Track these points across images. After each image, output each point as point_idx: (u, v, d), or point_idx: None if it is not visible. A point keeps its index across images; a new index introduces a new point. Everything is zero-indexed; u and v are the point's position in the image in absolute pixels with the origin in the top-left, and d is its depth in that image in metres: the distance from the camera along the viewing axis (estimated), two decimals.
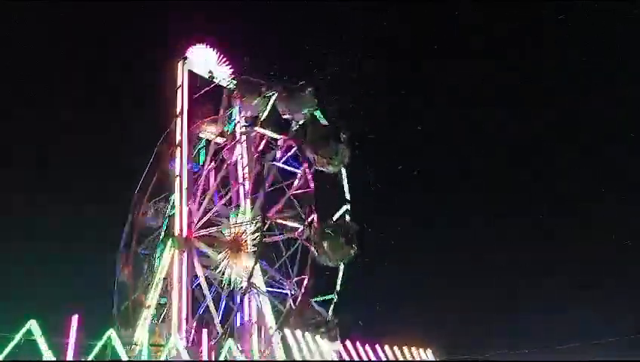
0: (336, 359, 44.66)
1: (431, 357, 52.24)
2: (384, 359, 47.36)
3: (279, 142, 52.02)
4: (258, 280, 47.40)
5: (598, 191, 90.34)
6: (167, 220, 50.71)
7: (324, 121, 50.91)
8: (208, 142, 55.62)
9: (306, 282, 47.39)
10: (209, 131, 55.64)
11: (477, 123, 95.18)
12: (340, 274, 48.63)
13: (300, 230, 49.02)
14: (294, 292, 47.35)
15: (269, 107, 51.44)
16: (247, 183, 52.41)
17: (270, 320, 47.61)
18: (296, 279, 47.82)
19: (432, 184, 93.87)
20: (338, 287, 48.70)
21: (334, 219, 49.21)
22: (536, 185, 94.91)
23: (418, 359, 50.63)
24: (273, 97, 51.22)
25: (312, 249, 47.30)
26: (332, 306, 48.20)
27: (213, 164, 53.82)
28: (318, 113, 50.80)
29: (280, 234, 49.90)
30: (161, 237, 50.25)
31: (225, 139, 55.18)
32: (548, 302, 78.05)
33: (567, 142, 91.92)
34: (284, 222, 49.97)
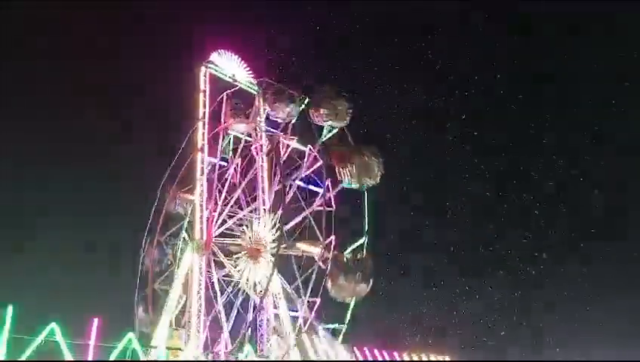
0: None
1: None
2: None
3: (306, 154, 52.34)
4: (276, 286, 47.67)
5: None
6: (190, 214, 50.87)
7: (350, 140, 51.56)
8: (237, 138, 55.84)
9: (317, 305, 47.60)
10: (238, 129, 55.52)
11: None
12: (351, 307, 47.79)
13: (318, 253, 48.54)
14: (305, 314, 47.20)
15: (298, 113, 51.98)
16: (266, 199, 52.49)
17: (287, 324, 47.87)
18: (308, 300, 47.61)
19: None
20: (347, 319, 48.11)
21: (349, 251, 48.40)
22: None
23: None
24: (304, 103, 51.70)
25: (327, 283, 46.76)
26: (342, 334, 47.94)
27: (240, 160, 54.30)
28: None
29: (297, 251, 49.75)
30: (184, 227, 50.68)
31: (253, 139, 55.60)
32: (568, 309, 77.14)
33: None
34: (302, 247, 49.56)
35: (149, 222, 53.61)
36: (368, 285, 46.66)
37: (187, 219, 50.59)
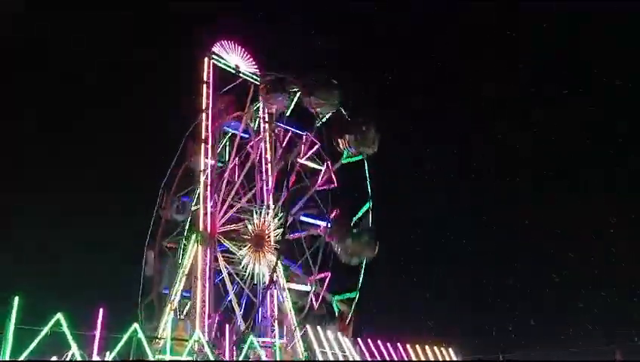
0: (357, 355, 44.79)
1: (453, 356, 52.17)
2: (405, 357, 47.44)
3: (303, 138, 52.66)
4: (280, 276, 47.77)
5: None
6: (191, 215, 50.88)
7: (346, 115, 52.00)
8: (233, 136, 55.74)
9: (327, 279, 47.70)
10: (234, 126, 55.72)
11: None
12: (362, 271, 48.49)
13: (322, 227, 49.32)
14: (315, 288, 47.64)
15: (292, 103, 51.80)
16: (270, 181, 52.80)
17: (291, 315, 47.99)
18: (318, 277, 47.97)
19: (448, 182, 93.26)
20: (360, 284, 48.59)
21: (356, 217, 49.37)
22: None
23: (440, 358, 50.62)
24: (297, 93, 51.64)
25: (335, 247, 47.54)
26: (354, 303, 48.31)
27: (237, 159, 54.03)
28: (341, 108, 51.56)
29: (302, 231, 50.27)
30: (185, 230, 50.67)
31: (249, 135, 55.70)
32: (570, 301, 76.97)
33: None
34: (307, 220, 50.35)
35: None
36: (376, 245, 47.91)
37: (188, 222, 50.64)
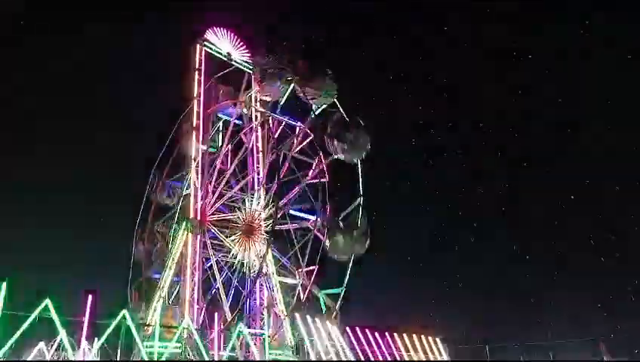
0: (344, 343, 44.97)
1: (441, 346, 52.62)
2: (394, 347, 47.83)
3: (296, 130, 52.16)
4: (270, 265, 47.71)
5: None
6: (182, 200, 50.56)
7: (341, 111, 51.22)
8: (226, 122, 55.17)
9: (315, 273, 47.44)
10: (227, 113, 55.08)
11: None
12: (349, 268, 48.03)
13: (311, 221, 49.16)
14: (304, 281, 47.42)
15: (287, 92, 51.04)
16: (261, 172, 52.48)
17: (281, 304, 48.01)
18: (306, 269, 47.77)
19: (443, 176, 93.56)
20: (346, 281, 48.19)
21: (346, 212, 49.06)
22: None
23: (428, 347, 51.10)
24: (293, 82, 50.87)
25: (325, 241, 47.33)
26: (340, 298, 48.14)
27: (230, 146, 53.40)
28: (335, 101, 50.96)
29: (292, 224, 49.95)
30: (176, 215, 50.40)
31: (243, 122, 55.28)
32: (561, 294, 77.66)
33: None
34: (296, 214, 50.06)
35: (140, 212, 53.46)
36: (366, 243, 47.76)
37: (178, 207, 50.27)
